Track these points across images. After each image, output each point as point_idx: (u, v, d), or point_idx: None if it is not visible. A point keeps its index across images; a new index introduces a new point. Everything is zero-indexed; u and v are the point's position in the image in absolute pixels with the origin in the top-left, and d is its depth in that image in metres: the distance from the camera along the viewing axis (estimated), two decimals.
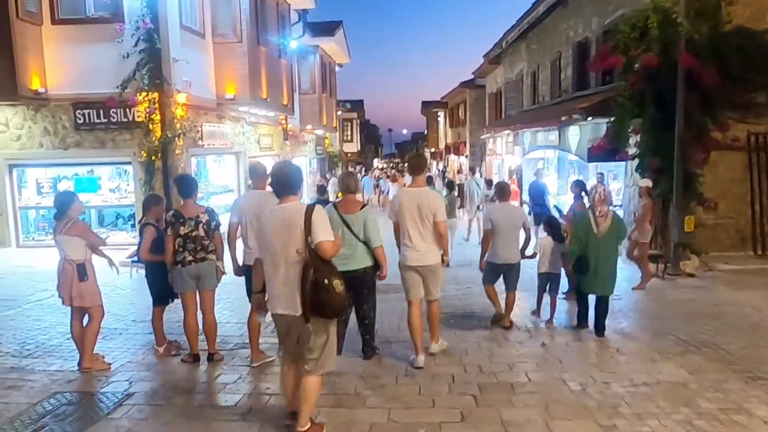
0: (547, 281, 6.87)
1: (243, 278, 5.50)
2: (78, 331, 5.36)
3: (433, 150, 48.02)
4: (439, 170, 38.77)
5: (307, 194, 17.75)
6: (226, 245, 5.56)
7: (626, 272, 8.74)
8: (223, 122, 13.44)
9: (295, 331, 3.71)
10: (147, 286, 5.76)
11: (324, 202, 8.36)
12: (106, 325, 6.08)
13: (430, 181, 13.07)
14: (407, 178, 23.39)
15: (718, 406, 4.31)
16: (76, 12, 10.73)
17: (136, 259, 8.12)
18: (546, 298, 6.92)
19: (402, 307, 6.76)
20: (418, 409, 4.40)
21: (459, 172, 32.93)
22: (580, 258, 6.18)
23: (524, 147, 18.18)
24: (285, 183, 3.73)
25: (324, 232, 3.56)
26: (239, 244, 5.53)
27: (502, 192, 6.89)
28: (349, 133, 40.53)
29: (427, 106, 46.88)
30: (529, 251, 6.78)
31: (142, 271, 6.08)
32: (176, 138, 10.76)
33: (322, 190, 12.30)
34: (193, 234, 5.27)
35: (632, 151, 9.84)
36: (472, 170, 17.99)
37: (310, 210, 3.58)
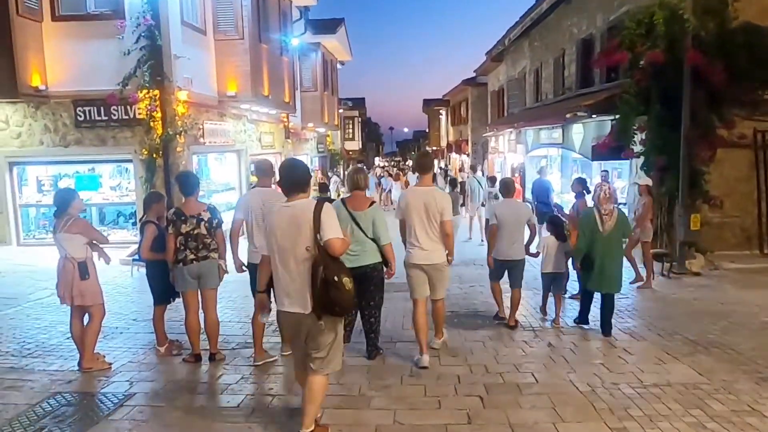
0: (552, 281, 6.79)
1: (242, 277, 5.44)
2: (78, 330, 5.29)
3: (434, 148, 47.93)
4: (441, 168, 38.69)
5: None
6: (228, 243, 5.49)
7: (631, 271, 8.64)
8: (224, 120, 13.36)
9: (303, 329, 3.67)
10: (148, 285, 5.68)
11: (324, 200, 8.28)
12: (107, 324, 6.02)
13: (433, 179, 12.95)
14: (410, 176, 23.40)
15: (730, 407, 4.23)
16: (76, 8, 10.66)
17: (137, 257, 8.09)
18: (551, 298, 6.83)
19: (405, 306, 6.75)
20: (423, 410, 4.33)
21: (461, 170, 32.85)
22: (586, 256, 6.14)
23: (527, 145, 18.11)
24: (293, 180, 3.69)
25: (333, 230, 3.54)
26: (243, 242, 5.47)
27: (507, 188, 6.86)
28: (350, 131, 40.47)
29: (429, 104, 46.85)
30: (532, 249, 6.72)
31: (143, 270, 6.02)
32: (177, 135, 10.68)
33: (323, 188, 12.23)
34: (195, 232, 5.20)
35: (637, 148, 9.74)
36: (473, 168, 17.90)
37: (319, 207, 3.55)
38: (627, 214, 7.13)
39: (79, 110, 10.81)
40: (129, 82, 10.34)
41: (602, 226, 6.05)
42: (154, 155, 10.58)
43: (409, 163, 61.50)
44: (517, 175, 19.29)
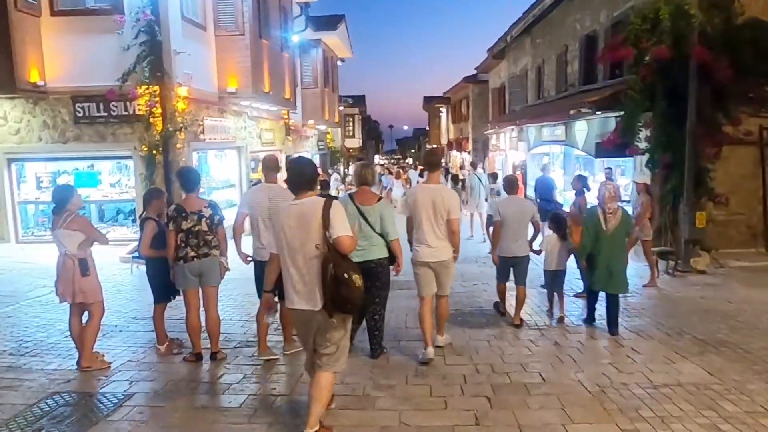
0: (554, 278, 6.72)
1: (243, 274, 5.35)
2: (77, 328, 5.21)
3: (435, 146, 47.82)
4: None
5: None
6: (231, 239, 5.41)
7: (637, 269, 8.57)
8: (224, 116, 13.25)
9: (314, 325, 3.67)
10: (148, 283, 5.59)
11: (331, 197, 8.21)
12: (106, 322, 5.94)
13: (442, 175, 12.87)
14: (412, 174, 23.28)
15: (743, 409, 4.14)
16: (75, 3, 10.54)
17: (136, 254, 8.00)
18: (555, 297, 6.77)
19: (408, 305, 6.68)
20: (430, 411, 4.24)
21: (461, 167, 32.73)
22: (590, 255, 6.10)
23: (529, 142, 18.01)
24: (301, 178, 3.71)
25: (342, 227, 3.54)
26: (247, 239, 5.39)
27: (510, 185, 6.86)
28: (350, 128, 40.36)
29: (430, 102, 46.69)
30: (536, 246, 6.67)
31: (143, 267, 5.93)
32: (177, 132, 10.56)
33: (324, 185, 12.15)
34: (196, 229, 5.10)
35: (642, 145, 9.65)
36: (473, 165, 17.78)
37: (327, 205, 3.55)
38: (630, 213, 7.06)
39: (78, 106, 10.70)
40: (128, 78, 10.20)
41: (606, 225, 6.00)
42: (154, 152, 10.47)
43: (409, 161, 61.47)
44: (518, 172, 19.19)
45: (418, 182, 13.50)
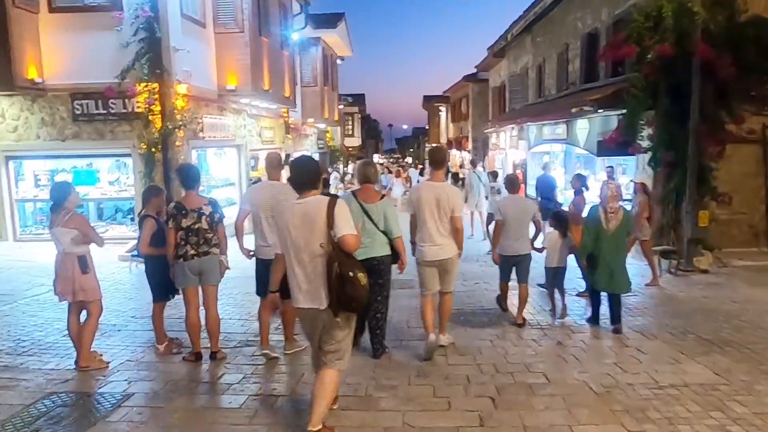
0: (554, 275, 6.67)
1: (244, 273, 5.30)
2: (75, 327, 5.15)
3: (434, 145, 47.78)
4: None
5: None
6: (232, 237, 5.35)
7: (638, 268, 8.52)
8: (224, 114, 13.17)
9: (319, 323, 3.66)
10: (147, 282, 5.52)
11: (334, 196, 8.17)
12: (105, 321, 5.87)
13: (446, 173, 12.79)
14: (412, 173, 23.20)
15: (752, 410, 4.08)
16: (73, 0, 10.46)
17: (135, 253, 7.92)
18: (556, 294, 6.71)
19: (410, 304, 6.63)
20: (433, 412, 4.18)
21: (461, 166, 32.67)
22: (591, 255, 6.07)
23: (529, 141, 17.94)
24: (305, 177, 3.70)
25: (347, 226, 3.54)
26: (248, 237, 5.33)
27: (511, 184, 6.86)
28: (350, 127, 40.30)
29: (429, 101, 46.64)
30: (537, 244, 6.64)
31: (142, 266, 5.87)
32: (176, 130, 10.49)
33: (324, 183, 12.06)
34: (196, 227, 5.04)
35: (645, 144, 9.59)
36: (473, 163, 17.70)
37: (332, 203, 3.54)
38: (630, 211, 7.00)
39: (77, 103, 10.61)
40: (127, 75, 10.14)
41: (607, 224, 5.96)
42: (153, 149, 10.39)
43: (409, 160, 61.36)
44: (519, 171, 19.12)
45: (418, 181, 13.45)
